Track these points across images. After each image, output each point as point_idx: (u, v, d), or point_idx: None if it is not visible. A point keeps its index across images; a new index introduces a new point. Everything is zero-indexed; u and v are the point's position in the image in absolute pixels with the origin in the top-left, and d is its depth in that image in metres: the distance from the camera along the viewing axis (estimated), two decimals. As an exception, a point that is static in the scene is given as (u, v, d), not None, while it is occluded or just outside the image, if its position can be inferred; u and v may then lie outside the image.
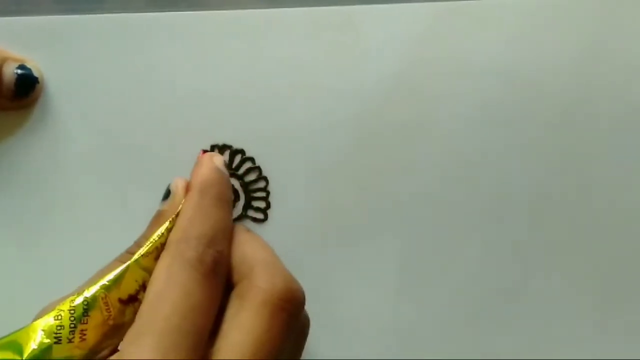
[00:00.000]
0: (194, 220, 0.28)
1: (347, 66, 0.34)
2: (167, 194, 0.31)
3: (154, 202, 0.34)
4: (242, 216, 0.34)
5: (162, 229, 0.29)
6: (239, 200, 0.34)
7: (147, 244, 0.28)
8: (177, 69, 0.34)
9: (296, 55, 0.34)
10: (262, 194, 0.34)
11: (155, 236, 0.29)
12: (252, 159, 0.34)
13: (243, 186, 0.34)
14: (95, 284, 0.27)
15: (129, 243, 0.34)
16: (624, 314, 0.36)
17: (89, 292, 0.27)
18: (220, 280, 0.28)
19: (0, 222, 0.33)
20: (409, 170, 0.35)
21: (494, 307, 0.35)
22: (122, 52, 0.33)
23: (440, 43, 0.34)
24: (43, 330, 0.26)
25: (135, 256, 0.28)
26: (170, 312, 0.26)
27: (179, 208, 0.29)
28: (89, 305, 0.27)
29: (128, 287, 0.28)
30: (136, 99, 0.34)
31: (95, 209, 0.34)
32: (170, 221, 0.29)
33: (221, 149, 0.34)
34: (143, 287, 0.28)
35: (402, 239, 0.35)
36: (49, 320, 0.26)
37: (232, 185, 0.34)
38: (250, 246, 0.30)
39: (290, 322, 0.27)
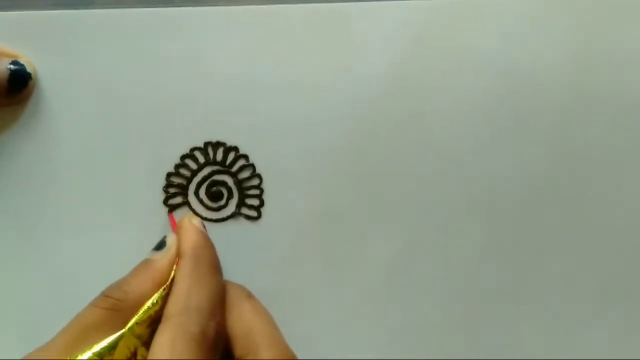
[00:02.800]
0: (192, 291, 0.29)
1: (342, 63, 0.34)
2: (161, 245, 0.31)
3: (147, 198, 0.34)
4: (236, 214, 0.34)
5: (155, 296, 0.29)
6: (232, 197, 0.34)
7: (140, 311, 0.29)
8: (170, 65, 0.33)
9: (291, 52, 0.34)
10: (256, 192, 0.34)
11: (149, 303, 0.29)
12: (246, 156, 0.34)
13: (237, 184, 0.34)
14: (89, 349, 0.27)
15: (122, 237, 0.34)
16: (622, 312, 0.36)
17: (96, 349, 0.27)
18: (220, 350, 0.29)
19: (-8, 218, 0.33)
20: (404, 167, 0.35)
21: (488, 307, 0.35)
22: (115, 48, 0.33)
23: (436, 40, 0.34)
24: None
25: (130, 324, 0.28)
26: None
27: (172, 274, 0.30)
28: None
29: (120, 355, 0.28)
30: (129, 95, 0.33)
31: (88, 205, 0.34)
32: (163, 289, 0.29)
33: (215, 145, 0.34)
34: (134, 354, 0.28)
35: (396, 237, 0.35)
36: None
37: (226, 182, 0.34)
38: (255, 320, 0.30)
39: None
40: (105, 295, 0.29)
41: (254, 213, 0.34)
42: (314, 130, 0.34)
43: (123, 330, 0.28)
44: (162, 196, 0.34)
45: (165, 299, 0.29)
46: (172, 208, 0.34)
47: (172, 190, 0.34)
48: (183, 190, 0.34)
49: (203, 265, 0.30)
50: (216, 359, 0.28)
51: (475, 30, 0.34)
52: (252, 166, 0.34)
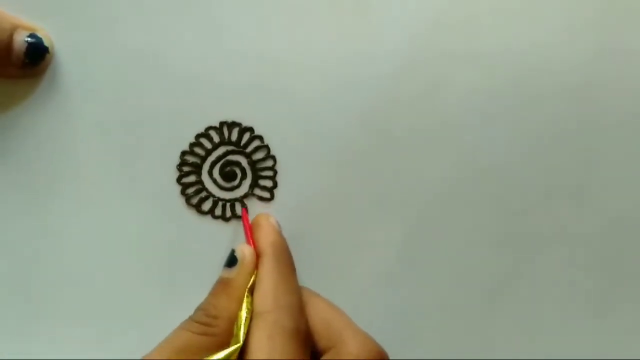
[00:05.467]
0: (279, 288, 0.29)
1: (359, 49, 0.34)
2: (232, 261, 0.31)
3: (161, 174, 0.34)
4: (249, 195, 0.34)
5: (246, 306, 0.29)
6: (245, 178, 0.34)
7: (240, 324, 0.29)
8: (189, 43, 0.33)
9: (309, 36, 0.34)
10: (269, 173, 0.34)
11: (245, 313, 0.29)
12: (260, 137, 0.34)
13: (250, 164, 0.34)
14: None
15: (136, 213, 0.34)
16: (622, 312, 0.36)
17: None
18: (310, 345, 0.29)
19: (7, 190, 0.33)
20: (418, 152, 0.35)
21: (491, 301, 0.36)
22: (133, 25, 0.33)
23: (453, 29, 0.34)
24: None
25: (241, 337, 0.28)
26: None
27: (252, 278, 0.30)
28: None
29: None
30: (146, 72, 0.33)
31: (102, 178, 0.34)
32: (248, 296, 0.30)
33: (230, 125, 0.34)
34: None
35: (406, 225, 0.35)
36: None
37: (240, 163, 0.34)
38: (332, 312, 0.31)
39: None
40: (194, 320, 0.30)
41: (266, 194, 0.34)
42: (329, 114, 0.34)
43: (237, 345, 0.28)
44: (176, 174, 0.34)
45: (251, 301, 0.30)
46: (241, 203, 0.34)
47: (185, 168, 0.34)
48: (197, 169, 0.34)
49: (284, 263, 0.31)
50: (309, 355, 0.29)
51: (494, 21, 0.34)
52: (267, 147, 0.34)
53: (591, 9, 0.34)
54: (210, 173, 0.34)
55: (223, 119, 0.34)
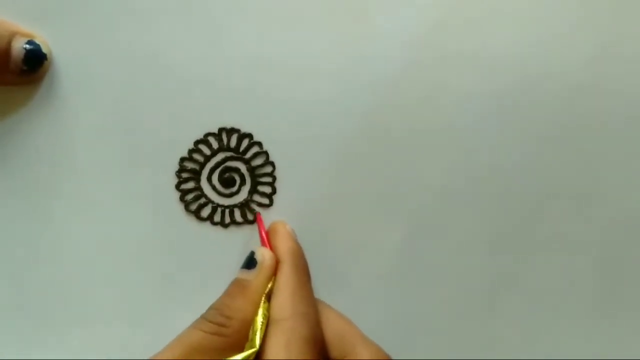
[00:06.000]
0: (297, 296, 0.29)
1: (359, 54, 0.34)
2: (251, 263, 0.31)
3: (160, 180, 0.34)
4: (248, 201, 0.34)
5: (262, 311, 0.29)
6: (244, 184, 0.34)
7: (257, 329, 0.29)
8: (188, 49, 0.33)
9: (307, 42, 0.33)
10: (268, 179, 0.34)
11: (261, 318, 0.29)
12: (259, 144, 0.34)
13: (249, 170, 0.34)
14: None
15: (135, 220, 0.34)
16: (621, 312, 0.36)
17: None
18: (324, 356, 0.30)
19: (6, 196, 0.33)
20: (416, 155, 0.35)
21: (491, 302, 0.36)
22: (131, 31, 0.33)
23: (454, 32, 0.34)
24: None
25: (257, 342, 0.28)
26: None
27: (269, 284, 0.30)
28: None
29: None
30: (144, 78, 0.33)
31: (100, 185, 0.34)
32: (264, 301, 0.30)
33: (229, 132, 0.34)
34: None
35: (405, 228, 0.35)
36: None
37: (239, 169, 0.34)
38: (344, 323, 0.31)
39: None
40: (207, 320, 0.29)
41: (265, 200, 0.34)
42: (328, 120, 0.34)
43: (255, 349, 0.28)
44: (175, 180, 0.34)
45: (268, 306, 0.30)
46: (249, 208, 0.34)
47: (184, 175, 0.34)
48: (196, 175, 0.34)
49: (302, 271, 0.31)
50: None
51: (495, 24, 0.34)
52: (266, 153, 0.34)
53: (592, 11, 0.34)
54: (209, 179, 0.34)
55: (222, 125, 0.34)
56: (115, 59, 0.33)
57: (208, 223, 0.34)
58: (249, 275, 0.30)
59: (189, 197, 0.34)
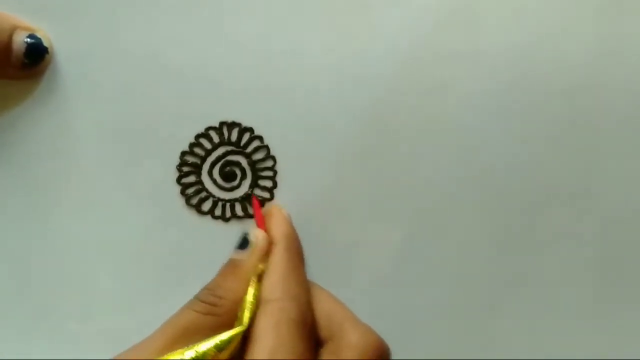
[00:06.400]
0: (289, 278, 0.29)
1: (360, 48, 0.34)
2: (244, 243, 0.31)
3: (161, 174, 0.34)
4: (248, 194, 0.34)
5: (252, 291, 0.29)
6: (245, 178, 0.34)
7: (245, 308, 0.29)
8: (189, 43, 0.33)
9: (308, 36, 0.34)
10: (269, 173, 0.34)
11: (251, 297, 0.29)
12: (260, 138, 0.34)
13: (250, 164, 0.34)
14: (209, 340, 0.28)
15: (136, 214, 0.34)
16: (622, 312, 0.36)
17: (200, 348, 0.28)
18: (314, 338, 0.29)
19: (7, 191, 0.33)
20: (418, 153, 0.35)
21: (491, 301, 0.36)
22: (132, 24, 0.33)
23: (454, 28, 0.34)
24: None
25: (245, 321, 0.29)
26: None
27: (261, 266, 0.30)
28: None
29: (234, 350, 0.29)
30: (146, 72, 0.33)
31: (101, 179, 0.34)
32: (255, 282, 0.30)
33: (230, 125, 0.34)
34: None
35: (406, 226, 0.35)
36: None
37: (240, 163, 0.34)
38: (334, 304, 0.31)
39: None
40: (200, 300, 0.30)
41: (266, 194, 0.34)
42: (329, 115, 0.34)
43: (242, 327, 0.28)
44: (176, 174, 0.34)
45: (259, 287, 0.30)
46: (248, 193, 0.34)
47: (185, 168, 0.34)
48: (197, 169, 0.34)
49: (295, 254, 0.31)
50: (313, 346, 0.29)
51: (495, 22, 0.34)
52: (267, 147, 0.34)
53: (592, 8, 0.34)
54: (210, 173, 0.34)
55: (223, 119, 0.34)
56: (117, 54, 0.33)
57: (209, 217, 0.34)
58: (242, 255, 0.31)
59: (190, 191, 0.34)
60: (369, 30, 0.34)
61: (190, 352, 0.28)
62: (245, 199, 0.34)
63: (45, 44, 0.32)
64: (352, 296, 0.35)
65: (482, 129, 0.35)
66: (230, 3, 0.33)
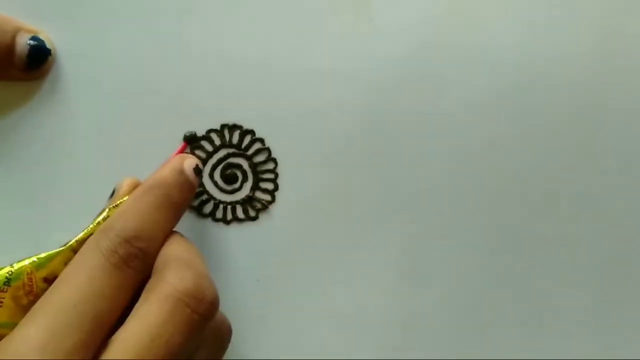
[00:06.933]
0: (124, 215, 0.29)
1: (360, 49, 0.34)
2: (113, 193, 0.31)
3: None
4: (250, 197, 0.34)
5: (99, 218, 0.30)
6: (246, 181, 0.34)
7: (85, 229, 0.29)
8: (190, 45, 0.33)
9: (310, 38, 0.34)
10: (270, 176, 0.34)
11: (92, 224, 0.30)
12: (261, 140, 0.34)
13: (252, 167, 0.34)
14: (27, 259, 0.29)
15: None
16: (622, 313, 0.36)
17: (17, 265, 0.29)
18: (133, 275, 0.28)
19: (9, 191, 0.33)
20: (419, 154, 0.35)
21: (495, 303, 0.35)
22: (134, 26, 0.33)
23: (455, 28, 0.34)
24: None
25: (71, 242, 0.29)
26: (69, 292, 0.26)
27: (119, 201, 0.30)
28: (12, 276, 0.28)
29: (56, 269, 0.29)
30: (147, 74, 0.33)
31: (103, 180, 0.34)
32: (108, 210, 0.30)
33: (231, 128, 0.34)
34: None
35: (408, 227, 0.35)
36: None
37: (241, 166, 0.34)
38: (174, 247, 0.29)
39: (194, 321, 0.26)
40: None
41: (268, 197, 0.34)
42: (330, 116, 0.34)
43: (63, 247, 0.29)
44: (177, 177, 0.34)
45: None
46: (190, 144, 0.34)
47: (187, 171, 0.34)
48: (198, 171, 0.34)
49: (150, 197, 0.29)
50: (129, 282, 0.27)
51: (496, 21, 0.34)
52: (268, 150, 0.34)
53: (594, 8, 0.34)
54: (211, 176, 0.34)
55: (224, 121, 0.34)
56: (119, 56, 0.33)
57: (210, 219, 0.34)
58: (107, 203, 0.31)
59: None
60: (369, 33, 0.34)
61: (9, 268, 0.28)
62: (247, 202, 0.34)
63: (48, 45, 0.32)
64: (352, 296, 0.35)
65: (482, 129, 0.35)
66: (230, 4, 0.33)
